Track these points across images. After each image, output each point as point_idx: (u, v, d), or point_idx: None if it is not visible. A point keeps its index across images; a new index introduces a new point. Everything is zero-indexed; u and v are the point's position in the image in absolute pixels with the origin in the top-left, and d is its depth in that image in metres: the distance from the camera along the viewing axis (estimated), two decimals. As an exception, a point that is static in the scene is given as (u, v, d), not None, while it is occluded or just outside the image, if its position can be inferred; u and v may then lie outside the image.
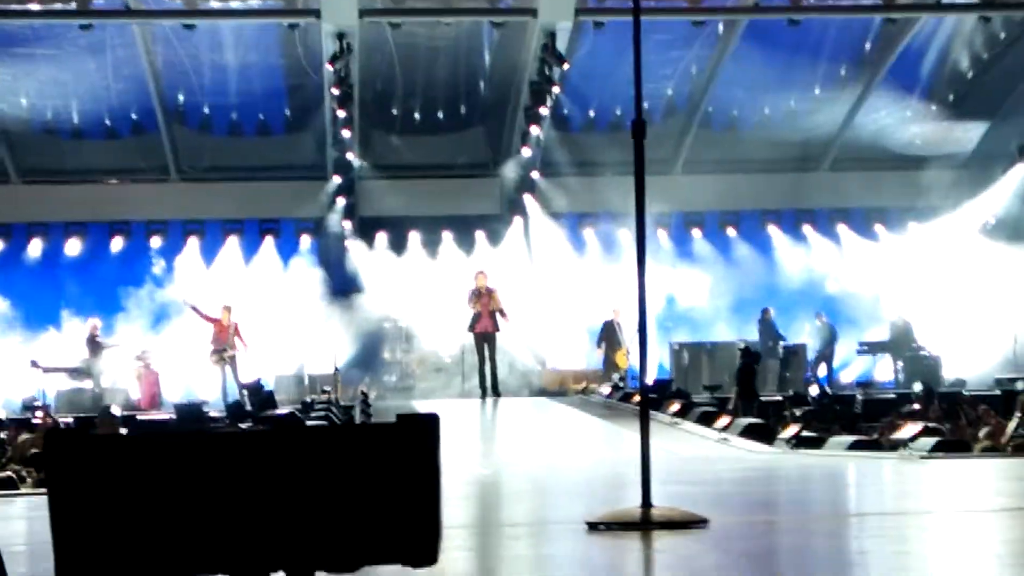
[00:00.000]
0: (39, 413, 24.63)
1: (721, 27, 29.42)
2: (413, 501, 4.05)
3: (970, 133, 32.56)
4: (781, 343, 29.80)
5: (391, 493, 4.04)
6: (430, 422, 4.16)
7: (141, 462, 4.04)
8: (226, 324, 27.03)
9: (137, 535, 3.98)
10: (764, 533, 8.97)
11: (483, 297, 24.27)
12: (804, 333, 30.84)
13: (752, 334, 29.35)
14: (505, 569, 7.42)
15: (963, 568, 6.76)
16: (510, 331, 25.74)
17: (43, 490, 12.33)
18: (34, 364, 27.30)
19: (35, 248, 31.47)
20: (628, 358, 27.93)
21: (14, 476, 17.71)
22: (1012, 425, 19.57)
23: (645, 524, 8.50)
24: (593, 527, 8.47)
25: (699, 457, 16.87)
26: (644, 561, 7.52)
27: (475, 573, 7.03)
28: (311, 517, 4.01)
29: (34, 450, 20.46)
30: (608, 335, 28.72)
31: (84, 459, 4.04)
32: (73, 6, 27.42)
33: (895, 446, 18.46)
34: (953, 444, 18.02)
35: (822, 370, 30.06)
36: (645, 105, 9.40)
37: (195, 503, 4.00)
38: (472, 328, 24.44)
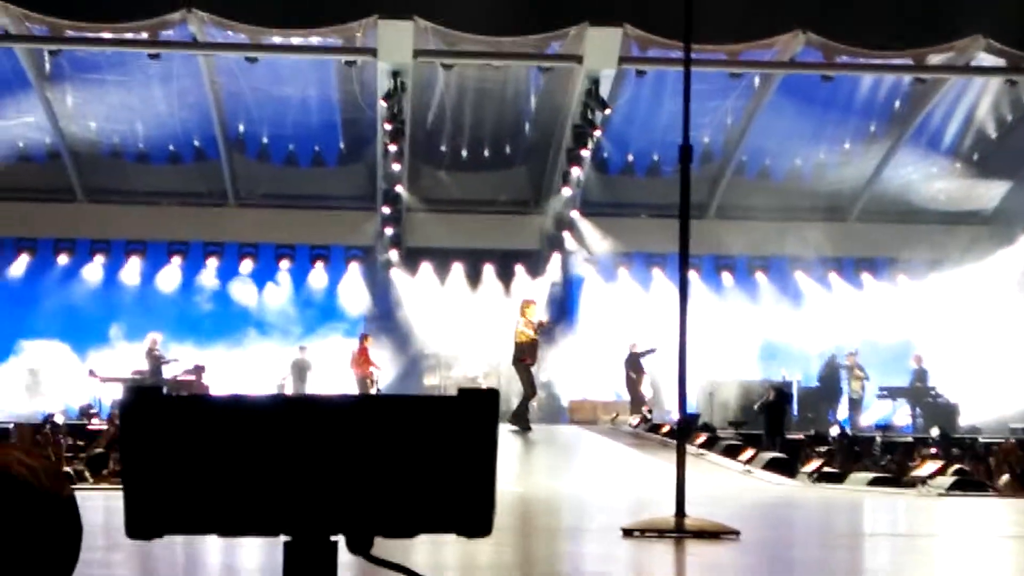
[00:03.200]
0: (95, 420, 25.87)
1: (757, 80, 30.40)
2: (471, 473, 4.01)
3: (993, 191, 33.43)
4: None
5: (450, 464, 4.02)
6: (490, 396, 4.15)
7: (212, 423, 4.05)
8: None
9: (204, 492, 4.01)
10: (791, 546, 9.98)
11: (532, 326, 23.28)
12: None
13: (776, 374, 30.23)
14: (546, 561, 8.00)
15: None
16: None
17: (102, 486, 13.62)
18: (92, 373, 28.44)
19: (97, 263, 32.57)
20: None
21: (71, 472, 19.10)
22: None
23: (679, 532, 9.04)
24: (628, 533, 8.94)
25: (725, 486, 17.83)
26: (677, 563, 7.98)
27: (520, 563, 7.57)
28: (373, 484, 4.01)
29: (97, 450, 21.80)
30: (633, 365, 29.53)
31: (158, 416, 4.05)
32: (143, 36, 28.34)
33: (914, 483, 19.41)
34: (971, 483, 18.95)
35: (844, 411, 30.85)
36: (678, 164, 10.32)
37: (262, 465, 4.01)
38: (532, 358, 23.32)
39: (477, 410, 4.06)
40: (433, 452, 4.01)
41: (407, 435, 4.04)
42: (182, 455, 3.98)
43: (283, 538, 4.02)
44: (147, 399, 4.10)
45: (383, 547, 4.09)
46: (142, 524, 3.99)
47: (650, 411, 28.09)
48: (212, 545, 8.42)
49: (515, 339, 23.24)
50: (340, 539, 4.03)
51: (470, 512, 3.99)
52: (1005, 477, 20.39)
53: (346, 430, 4.05)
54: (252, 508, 3.98)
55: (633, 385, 29.39)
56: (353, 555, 4.00)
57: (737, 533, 9.14)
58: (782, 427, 25.29)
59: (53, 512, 4.21)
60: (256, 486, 3.98)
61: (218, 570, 7.63)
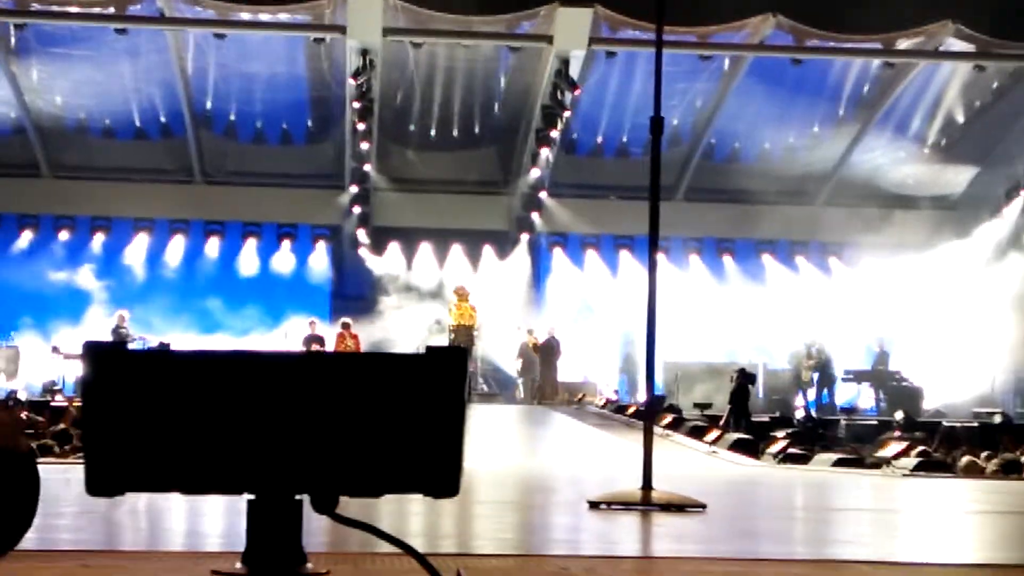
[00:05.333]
0: (59, 397, 25.70)
1: (727, 63, 30.41)
2: (438, 433, 3.96)
3: (960, 177, 33.53)
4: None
5: (417, 423, 3.95)
6: (458, 354, 4.08)
7: (175, 379, 3.99)
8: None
9: (166, 450, 3.96)
10: (756, 518, 10.03)
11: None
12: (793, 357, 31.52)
13: (742, 356, 30.28)
14: (512, 530, 8.16)
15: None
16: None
17: (69, 460, 13.61)
18: (55, 350, 28.26)
19: (61, 240, 32.37)
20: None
21: (35, 447, 19.12)
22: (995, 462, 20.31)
23: (645, 504, 9.26)
24: (595, 506, 9.14)
25: (690, 465, 17.87)
26: (643, 533, 8.01)
27: (487, 534, 7.55)
28: (338, 443, 3.95)
29: (61, 426, 21.69)
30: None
31: (120, 373, 3.98)
32: (111, 11, 28.13)
33: (878, 464, 19.50)
34: (934, 465, 19.06)
35: (811, 394, 30.95)
36: (650, 136, 10.30)
37: (226, 423, 3.95)
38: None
39: (445, 368, 4.02)
40: (400, 410, 3.95)
41: (374, 393, 3.97)
42: (145, 411, 3.91)
43: (247, 496, 4.06)
44: (109, 355, 4.04)
45: (349, 507, 4.07)
46: (102, 481, 3.95)
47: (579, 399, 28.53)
48: (175, 504, 8.37)
49: (470, 322, 25.04)
50: (305, 498, 4.03)
51: (437, 472, 3.96)
52: (965, 459, 20.49)
53: (312, 388, 3.99)
54: (215, 466, 3.93)
55: (549, 370, 29.51)
56: (318, 514, 4.01)
57: (703, 506, 9.17)
58: (747, 409, 25.35)
59: (10, 466, 4.16)
60: (220, 443, 3.92)
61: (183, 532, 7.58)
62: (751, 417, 25.09)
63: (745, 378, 25.77)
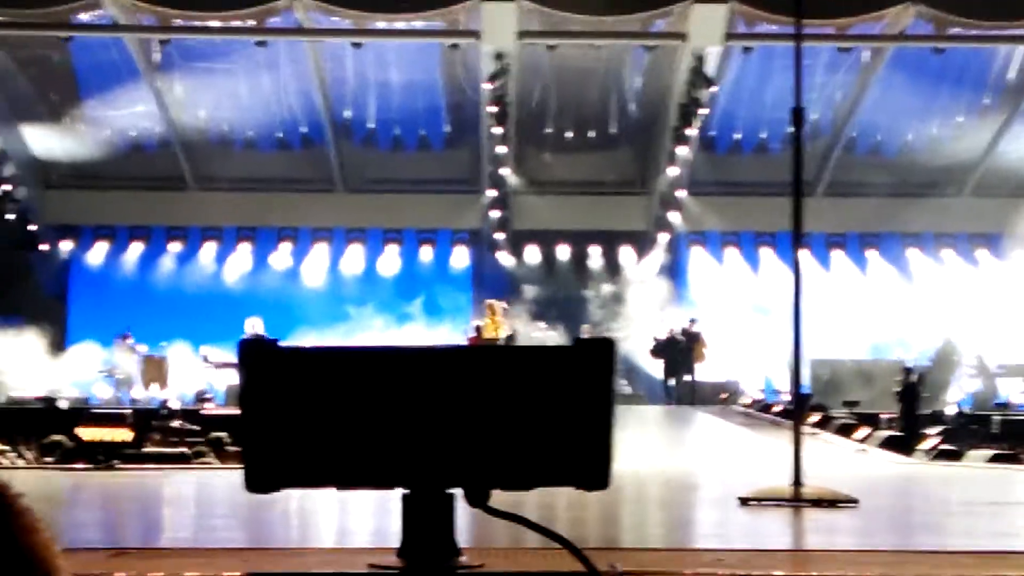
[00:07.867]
0: (209, 404, 26.14)
1: (867, 54, 29.97)
2: (588, 425, 3.93)
3: (1115, 162, 32.69)
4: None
5: (567, 416, 3.92)
6: (606, 346, 4.04)
7: (329, 375, 4.03)
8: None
9: (322, 445, 4.00)
10: (910, 512, 9.86)
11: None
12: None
13: (889, 353, 29.70)
14: (663, 527, 8.16)
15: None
16: None
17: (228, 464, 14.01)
18: (205, 359, 28.78)
19: (208, 250, 33.08)
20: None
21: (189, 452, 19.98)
22: None
23: (796, 500, 9.21)
24: (745, 502, 9.15)
25: (840, 463, 17.59)
26: (795, 527, 7.98)
27: (636, 528, 7.74)
28: (490, 436, 3.96)
29: (214, 434, 22.13)
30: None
31: (276, 369, 4.02)
32: (250, 24, 28.73)
33: (1036, 459, 19.01)
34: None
35: (963, 391, 30.17)
36: (790, 128, 10.21)
37: (379, 418, 3.98)
38: None
39: (593, 360, 4.01)
40: (550, 403, 3.95)
41: (523, 386, 3.98)
42: (300, 408, 3.99)
43: (400, 492, 4.08)
44: (265, 353, 4.09)
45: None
46: (261, 478, 4.03)
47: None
48: (321, 505, 8.45)
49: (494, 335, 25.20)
50: (458, 492, 4.05)
51: (588, 465, 3.94)
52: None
53: (463, 381, 4.02)
54: (371, 461, 4.00)
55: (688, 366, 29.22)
56: (471, 507, 4.02)
57: (855, 501, 9.02)
58: (915, 409, 24.59)
59: None
60: (375, 438, 3.97)
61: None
62: (918, 416, 24.47)
63: (914, 378, 25.24)
